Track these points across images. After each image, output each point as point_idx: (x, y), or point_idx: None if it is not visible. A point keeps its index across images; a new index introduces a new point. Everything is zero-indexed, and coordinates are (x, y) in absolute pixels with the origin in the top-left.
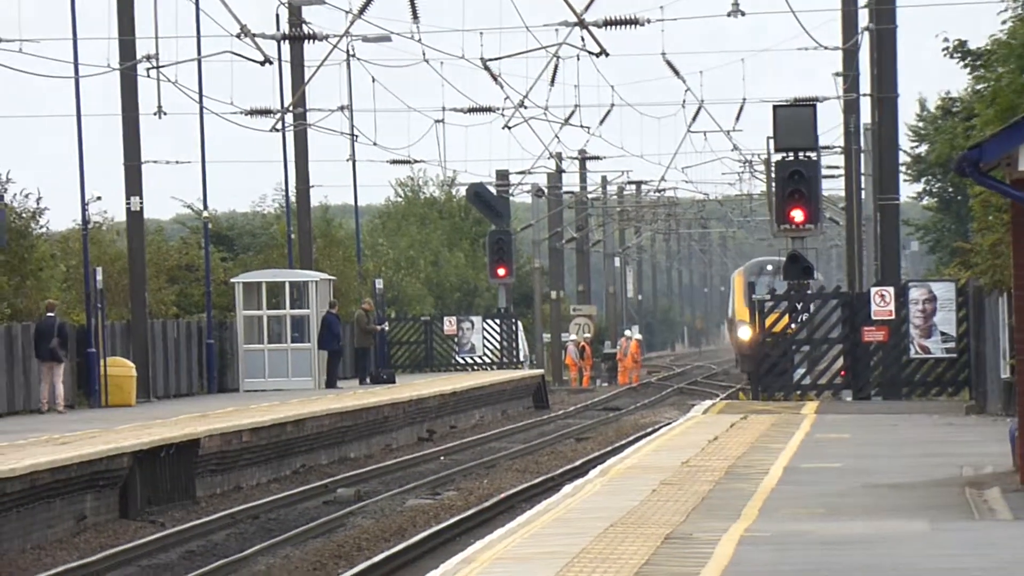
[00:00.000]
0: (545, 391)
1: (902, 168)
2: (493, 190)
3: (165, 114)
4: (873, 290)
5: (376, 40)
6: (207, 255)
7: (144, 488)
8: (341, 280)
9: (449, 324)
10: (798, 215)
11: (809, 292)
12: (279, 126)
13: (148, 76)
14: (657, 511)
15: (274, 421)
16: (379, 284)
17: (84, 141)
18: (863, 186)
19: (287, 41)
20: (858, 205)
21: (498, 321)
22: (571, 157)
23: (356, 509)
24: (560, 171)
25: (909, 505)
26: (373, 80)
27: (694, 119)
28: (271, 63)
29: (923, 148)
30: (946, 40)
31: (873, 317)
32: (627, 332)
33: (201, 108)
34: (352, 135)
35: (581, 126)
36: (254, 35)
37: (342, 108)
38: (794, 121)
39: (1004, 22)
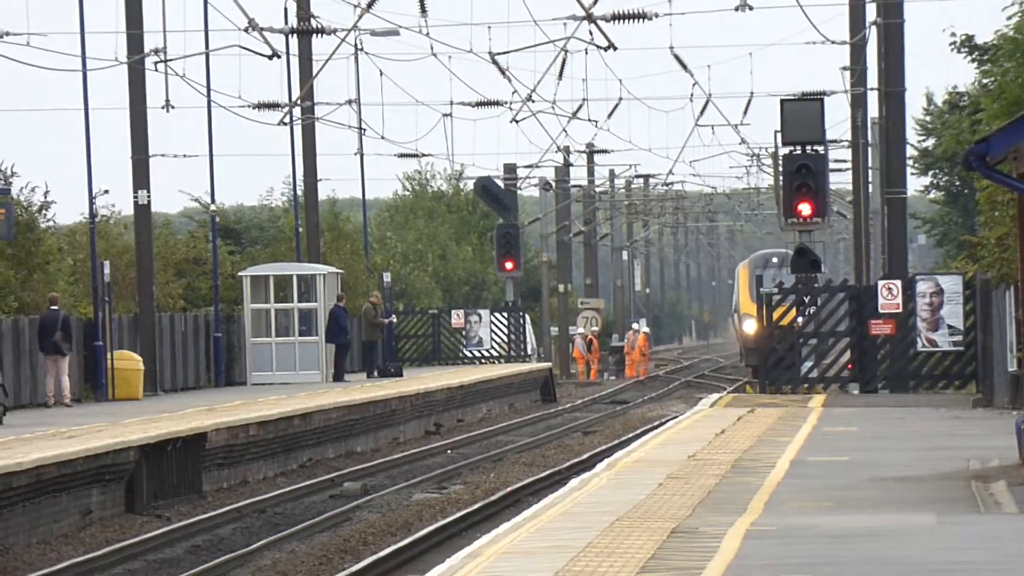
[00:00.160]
0: (552, 384)
1: (909, 162)
2: (501, 184)
3: (173, 108)
4: (880, 283)
5: (384, 34)
6: (215, 248)
7: (150, 482)
8: (349, 273)
9: (457, 317)
10: (805, 209)
11: (816, 285)
12: (287, 120)
13: (156, 70)
14: (663, 505)
15: (281, 415)
16: (387, 277)
17: (92, 135)
18: (870, 180)
19: (295, 35)
20: (865, 199)
21: (506, 314)
22: (579, 151)
23: (363, 503)
24: (568, 165)
25: (916, 498)
26: (381, 74)
27: (702, 113)
28: (279, 57)
29: (930, 142)
30: (953, 35)
31: (880, 310)
32: (635, 325)
33: (209, 102)
34: (360, 129)
35: (589, 120)
36: (262, 29)
37: (350, 102)
38: (801, 115)
39: (1010, 17)
